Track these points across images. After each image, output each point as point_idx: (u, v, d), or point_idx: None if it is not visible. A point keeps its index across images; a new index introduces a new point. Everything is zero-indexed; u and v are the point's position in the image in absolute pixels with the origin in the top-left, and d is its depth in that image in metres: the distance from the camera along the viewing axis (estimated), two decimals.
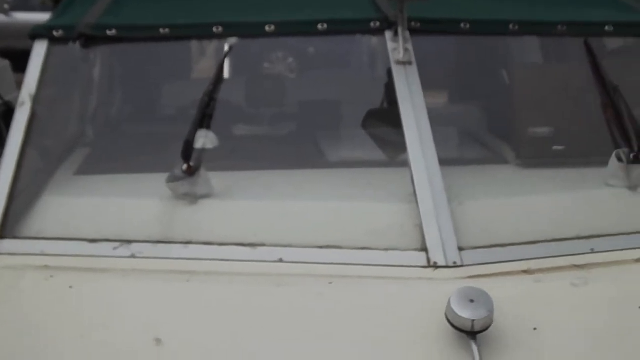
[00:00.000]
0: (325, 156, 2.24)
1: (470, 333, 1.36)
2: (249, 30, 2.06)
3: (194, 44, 2.53)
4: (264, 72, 3.29)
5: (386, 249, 1.63)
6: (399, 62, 1.87)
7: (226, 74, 2.75)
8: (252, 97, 2.82)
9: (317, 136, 2.39)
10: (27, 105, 1.85)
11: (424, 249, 1.60)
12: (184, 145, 1.71)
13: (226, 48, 2.46)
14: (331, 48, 2.54)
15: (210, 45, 2.19)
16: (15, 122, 1.83)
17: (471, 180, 1.93)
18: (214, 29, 1.91)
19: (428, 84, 2.76)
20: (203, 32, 2.00)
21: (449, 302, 1.37)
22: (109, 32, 1.92)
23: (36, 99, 1.86)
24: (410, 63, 1.88)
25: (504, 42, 2.53)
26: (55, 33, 1.94)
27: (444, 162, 1.78)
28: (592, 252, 1.69)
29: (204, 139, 1.74)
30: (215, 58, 2.88)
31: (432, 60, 2.76)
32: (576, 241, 1.71)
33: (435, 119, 2.31)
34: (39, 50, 1.93)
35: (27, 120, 1.83)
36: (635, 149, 1.84)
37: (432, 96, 2.76)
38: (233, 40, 2.26)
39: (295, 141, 2.52)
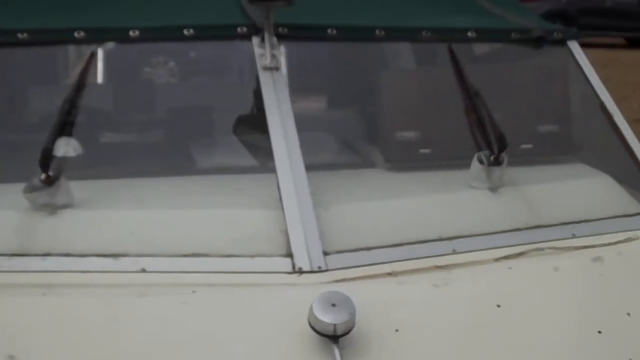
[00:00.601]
0: (194, 163, 2.24)
1: (333, 337, 1.39)
2: (112, 36, 2.05)
3: (73, 47, 2.48)
4: (144, 76, 3.27)
5: (252, 256, 1.63)
6: (265, 68, 1.89)
7: (100, 78, 2.74)
8: (121, 103, 2.80)
9: (187, 143, 2.38)
10: None
11: (290, 254, 1.62)
12: (41, 154, 1.67)
13: (100, 52, 2.41)
14: (212, 53, 2.55)
15: (89, 49, 2.16)
16: None
17: (338, 185, 1.96)
18: (75, 34, 1.89)
19: (305, 89, 2.78)
20: (64, 37, 1.96)
21: (311, 307, 1.39)
22: None
23: None
24: (277, 69, 1.90)
25: (380, 47, 2.60)
26: None
27: (312, 167, 1.81)
28: (454, 252, 1.75)
29: (65, 147, 1.69)
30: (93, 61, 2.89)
31: (311, 66, 2.84)
32: (438, 242, 1.76)
33: (309, 124, 2.38)
34: None
35: None
36: (495, 151, 1.91)
37: (309, 101, 2.81)
38: (110, 44, 2.24)
39: (165, 148, 2.51)
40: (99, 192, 1.82)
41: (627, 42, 17.54)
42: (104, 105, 2.65)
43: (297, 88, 2.87)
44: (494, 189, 1.97)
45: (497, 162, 1.92)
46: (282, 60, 2.02)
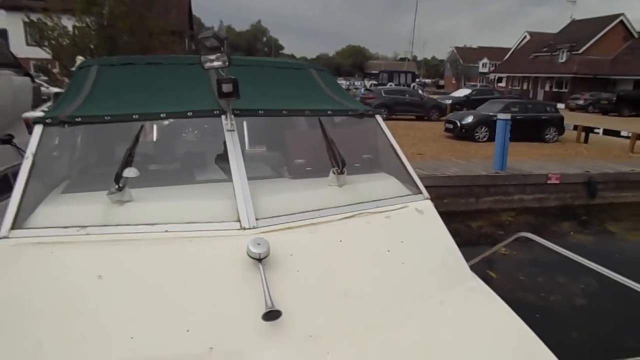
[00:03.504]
0: (194, 177, 2.41)
1: (258, 260, 1.67)
2: (152, 117, 2.19)
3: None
4: (181, 138, 3.21)
5: (221, 221, 1.86)
6: (227, 130, 2.07)
7: (155, 137, 2.90)
8: (160, 150, 2.90)
9: (192, 168, 2.53)
10: (29, 159, 1.92)
11: (238, 220, 1.85)
12: (115, 176, 1.88)
13: (148, 125, 2.53)
14: (213, 123, 2.50)
15: (140, 124, 2.15)
16: (22, 168, 1.90)
17: (265, 185, 2.15)
18: (133, 117, 2.04)
19: (255, 141, 2.99)
20: (128, 118, 2.04)
21: (247, 245, 1.68)
22: (77, 119, 2.01)
23: (35, 155, 1.93)
24: (233, 130, 2.08)
25: (287, 119, 2.73)
26: (46, 121, 2.03)
27: (252, 178, 2.02)
28: (320, 217, 1.99)
29: (129, 172, 1.89)
30: (156, 131, 3.02)
31: (259, 128, 3.08)
32: (313, 212, 2.02)
33: (254, 157, 2.65)
34: (37, 130, 2.02)
35: (29, 167, 1.90)
36: (340, 167, 2.20)
37: (257, 146, 3.07)
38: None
39: (180, 171, 2.61)
40: (146, 193, 1.99)
41: (415, 117, 20.50)
42: (149, 151, 2.75)
43: (253, 140, 3.02)
44: (340, 186, 2.23)
45: (341, 173, 2.20)
46: (236, 126, 2.12)
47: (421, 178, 2.44)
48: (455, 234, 2.20)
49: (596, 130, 14.60)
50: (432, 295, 1.87)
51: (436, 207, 2.30)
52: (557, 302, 5.30)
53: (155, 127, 2.77)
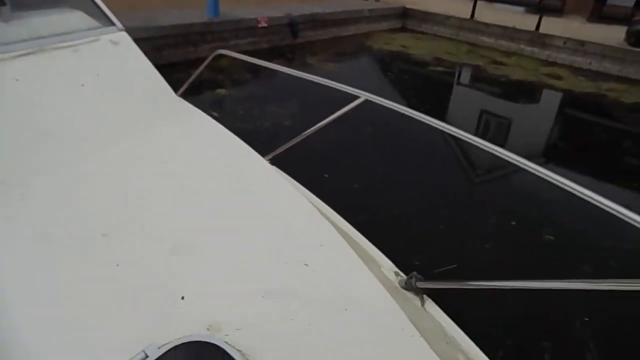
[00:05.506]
0: None
1: None
2: None
3: None
4: None
5: None
6: None
7: None
8: None
9: None
10: None
11: None
12: None
13: None
14: None
15: None
16: None
17: None
18: None
19: None
20: None
21: None
22: None
23: None
24: None
25: None
26: None
27: None
28: (34, 48, 1.78)
29: None
30: None
31: None
32: (40, 39, 1.80)
33: None
34: None
35: None
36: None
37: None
38: None
39: None
40: None
41: None
42: None
43: None
44: (6, 22, 1.87)
45: (3, 4, 1.83)
46: None
47: (134, 30, 2.24)
48: (176, 82, 2.17)
49: None
50: (138, 121, 1.83)
51: (154, 59, 2.14)
52: (270, 126, 5.99)
53: None
